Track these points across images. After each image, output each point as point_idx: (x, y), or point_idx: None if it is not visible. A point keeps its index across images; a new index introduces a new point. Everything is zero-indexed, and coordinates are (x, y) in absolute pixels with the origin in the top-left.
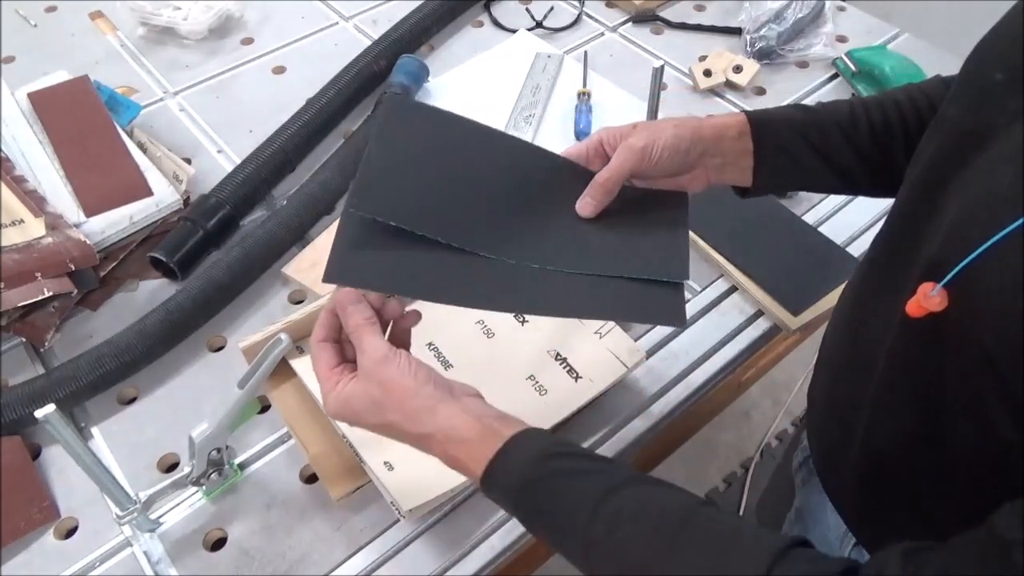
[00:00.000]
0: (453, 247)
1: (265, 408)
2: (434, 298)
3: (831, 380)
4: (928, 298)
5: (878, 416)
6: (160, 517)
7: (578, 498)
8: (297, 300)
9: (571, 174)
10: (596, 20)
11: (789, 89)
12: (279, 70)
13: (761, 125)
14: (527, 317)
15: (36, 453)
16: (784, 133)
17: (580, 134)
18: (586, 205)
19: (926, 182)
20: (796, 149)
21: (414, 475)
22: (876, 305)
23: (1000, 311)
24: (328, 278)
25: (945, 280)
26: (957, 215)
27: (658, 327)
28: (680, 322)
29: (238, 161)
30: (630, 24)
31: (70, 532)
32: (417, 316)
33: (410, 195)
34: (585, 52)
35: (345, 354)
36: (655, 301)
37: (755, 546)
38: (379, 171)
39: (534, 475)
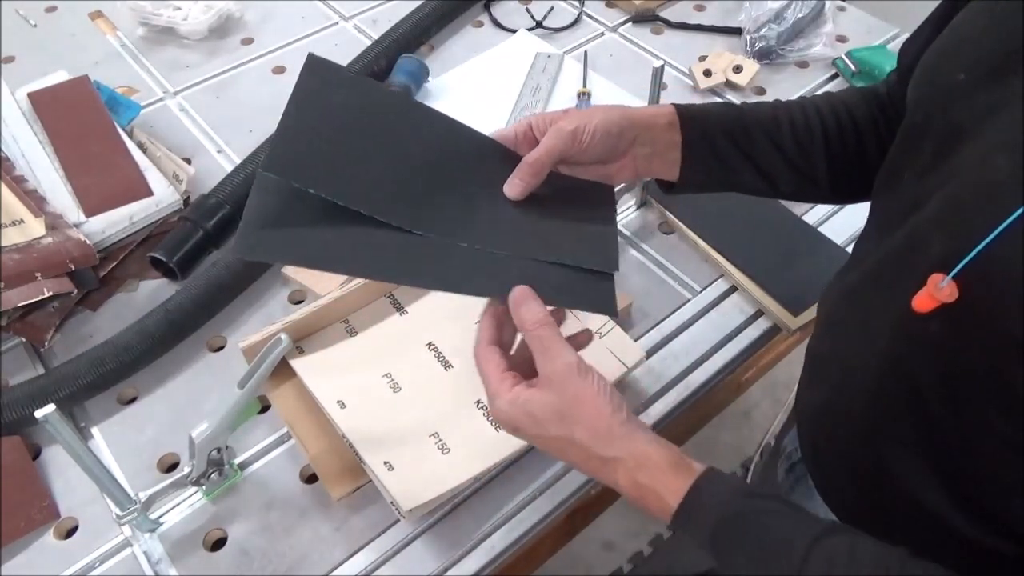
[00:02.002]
0: (374, 219)
1: (265, 408)
2: (354, 272)
3: (821, 389)
4: (939, 290)
5: (874, 419)
6: (160, 517)
7: (788, 536)
8: (297, 300)
9: (499, 156)
10: (596, 20)
11: (789, 89)
12: (279, 70)
13: (689, 118)
14: None
15: (36, 453)
16: (711, 129)
17: None
18: (514, 186)
19: (907, 190)
20: (722, 146)
21: (414, 475)
22: (865, 310)
23: (1021, 293)
24: (241, 252)
25: (955, 270)
26: (955, 208)
27: (658, 327)
28: (612, 312)
29: (238, 161)
30: (630, 24)
31: (70, 532)
32: (589, 337)
33: (329, 161)
34: (585, 52)
35: (510, 363)
36: (586, 289)
37: None
38: (296, 134)
39: (736, 509)
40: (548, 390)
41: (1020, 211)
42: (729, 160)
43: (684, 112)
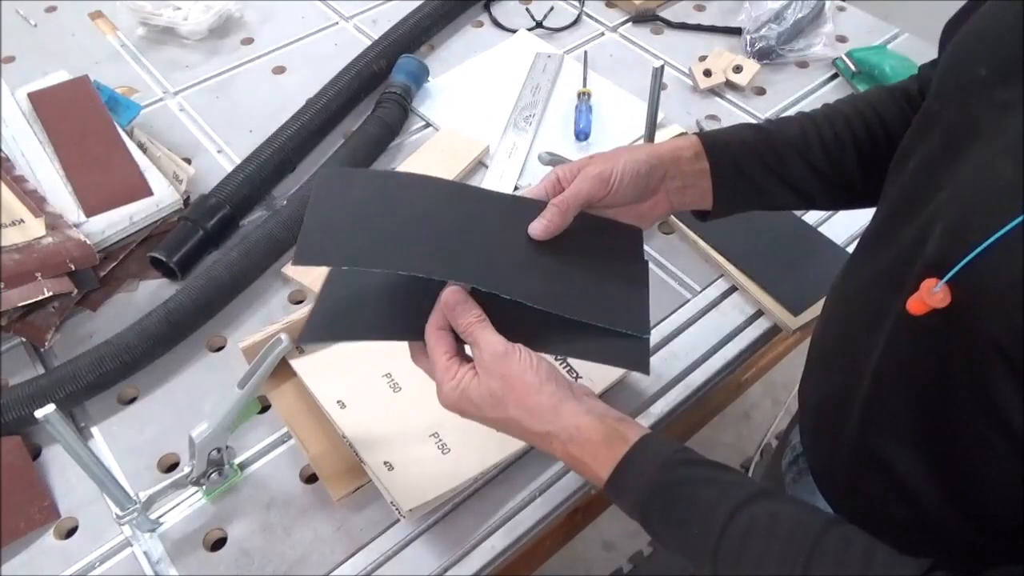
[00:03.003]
0: (417, 284)
1: (265, 408)
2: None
3: (823, 379)
4: (931, 295)
5: (872, 413)
6: (160, 517)
7: (710, 507)
8: (297, 300)
9: (532, 211)
10: (596, 20)
11: (789, 89)
12: (279, 70)
13: (714, 146)
14: None
15: (36, 453)
16: (738, 153)
17: (580, 134)
18: (537, 224)
19: (915, 179)
20: (751, 168)
21: (414, 475)
22: (868, 304)
23: (1009, 304)
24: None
25: (948, 276)
26: (955, 211)
27: (658, 327)
28: (644, 370)
29: (238, 161)
30: (630, 24)
31: (70, 532)
32: None
33: (353, 240)
34: (585, 52)
35: (459, 347)
36: (619, 346)
37: (893, 566)
38: (317, 226)
39: (663, 481)
40: (482, 376)
41: (1014, 223)
42: (761, 182)
43: (708, 140)
